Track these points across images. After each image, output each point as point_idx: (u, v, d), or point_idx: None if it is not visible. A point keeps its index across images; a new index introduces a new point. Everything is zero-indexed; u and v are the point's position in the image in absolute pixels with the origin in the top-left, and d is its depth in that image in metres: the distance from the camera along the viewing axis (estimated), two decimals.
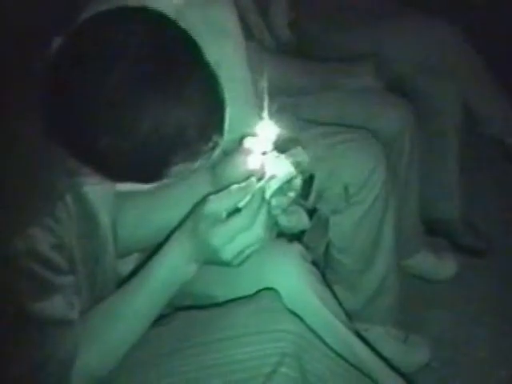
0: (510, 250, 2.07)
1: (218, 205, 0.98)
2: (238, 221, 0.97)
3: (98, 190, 1.06)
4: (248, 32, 1.57)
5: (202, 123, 0.92)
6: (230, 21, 1.43)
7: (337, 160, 1.56)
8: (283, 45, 1.92)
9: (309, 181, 1.11)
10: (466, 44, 2.13)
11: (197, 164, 0.96)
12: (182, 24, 0.95)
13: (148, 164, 0.92)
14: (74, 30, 0.92)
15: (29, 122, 0.93)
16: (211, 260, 1.00)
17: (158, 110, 0.87)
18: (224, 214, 0.97)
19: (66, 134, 0.91)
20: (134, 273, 1.06)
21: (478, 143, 2.31)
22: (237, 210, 0.98)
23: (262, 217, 0.97)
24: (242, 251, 0.98)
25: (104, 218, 1.10)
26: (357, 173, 1.58)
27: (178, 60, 0.90)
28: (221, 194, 0.99)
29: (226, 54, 1.35)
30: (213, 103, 0.93)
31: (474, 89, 2.15)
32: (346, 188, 1.57)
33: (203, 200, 1.00)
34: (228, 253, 0.98)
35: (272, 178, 1.01)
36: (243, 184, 0.99)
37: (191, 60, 0.92)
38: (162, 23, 0.93)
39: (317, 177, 1.17)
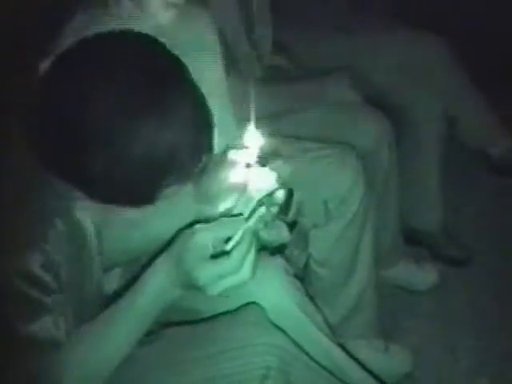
0: (492, 259, 2.08)
1: (205, 237, 0.95)
2: (226, 264, 0.93)
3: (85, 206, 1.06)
4: (232, 60, 1.59)
5: (193, 144, 0.91)
6: (209, 37, 1.44)
7: (317, 175, 1.57)
8: (267, 67, 1.92)
9: (289, 195, 1.12)
10: (449, 55, 2.15)
11: (188, 184, 0.95)
12: (163, 40, 0.95)
13: (140, 188, 0.92)
14: (61, 54, 0.91)
15: (19, 146, 0.93)
16: (195, 289, 0.98)
17: (148, 133, 0.86)
18: (210, 248, 0.94)
19: (56, 159, 0.90)
20: (120, 294, 1.04)
21: (460, 153, 2.32)
22: (226, 241, 0.95)
23: (250, 257, 0.94)
24: (226, 289, 0.96)
25: (91, 236, 1.08)
26: (336, 188, 1.58)
27: (166, 82, 0.89)
28: (208, 225, 0.96)
29: (206, 69, 1.36)
30: (202, 123, 0.93)
31: (457, 100, 2.17)
32: (325, 203, 1.58)
33: (190, 229, 0.97)
34: (213, 290, 0.95)
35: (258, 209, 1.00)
36: (231, 218, 0.98)
37: (179, 81, 0.92)
38: (149, 47, 0.92)
39: (296, 191, 1.18)
